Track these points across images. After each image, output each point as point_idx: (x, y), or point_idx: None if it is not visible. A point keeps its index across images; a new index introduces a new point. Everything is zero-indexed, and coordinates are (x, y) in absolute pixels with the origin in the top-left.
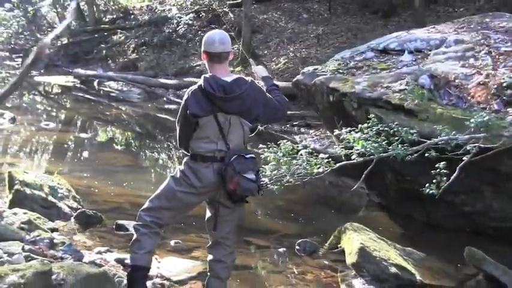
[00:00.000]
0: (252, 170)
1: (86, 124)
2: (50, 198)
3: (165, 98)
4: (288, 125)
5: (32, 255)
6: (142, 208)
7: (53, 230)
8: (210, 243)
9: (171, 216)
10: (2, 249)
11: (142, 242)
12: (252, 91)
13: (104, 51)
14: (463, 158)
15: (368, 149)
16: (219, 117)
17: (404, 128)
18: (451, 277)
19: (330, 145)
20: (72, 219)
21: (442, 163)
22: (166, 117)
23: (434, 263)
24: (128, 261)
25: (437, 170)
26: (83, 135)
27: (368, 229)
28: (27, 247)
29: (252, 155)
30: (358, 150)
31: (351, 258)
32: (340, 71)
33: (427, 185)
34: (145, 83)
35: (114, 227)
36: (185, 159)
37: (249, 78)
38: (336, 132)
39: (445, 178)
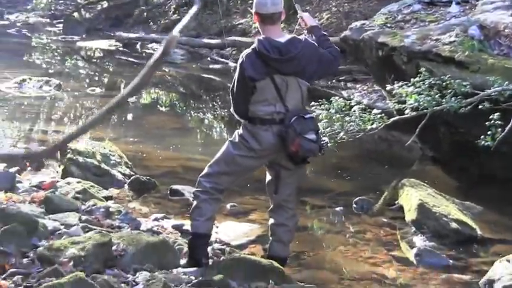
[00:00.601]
0: (313, 130)
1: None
2: (103, 165)
3: (209, 58)
4: (334, 80)
5: (89, 225)
6: (201, 174)
7: (107, 198)
8: (272, 206)
9: (230, 181)
10: (59, 220)
11: (202, 208)
12: (307, 49)
13: (145, 14)
14: None
15: (421, 103)
16: (276, 79)
17: (457, 80)
18: (509, 230)
19: (379, 99)
20: (126, 186)
21: (496, 114)
22: (211, 77)
23: (493, 216)
24: (187, 227)
25: (492, 122)
26: (129, 99)
27: (425, 184)
28: (83, 217)
29: (312, 115)
30: (411, 104)
31: (410, 215)
32: (388, 24)
33: (482, 136)
34: (188, 44)
35: (168, 192)
36: (243, 122)
37: (302, 37)
38: (389, 87)
39: (499, 129)
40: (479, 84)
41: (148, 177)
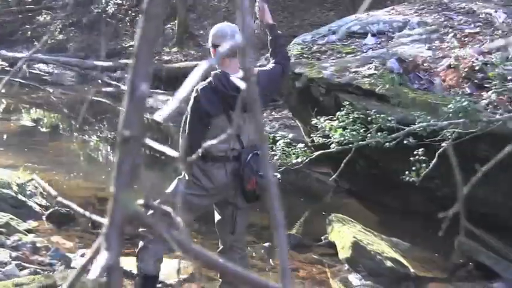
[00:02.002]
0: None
1: (25, 111)
2: (20, 196)
3: (100, 81)
4: None
5: (22, 263)
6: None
7: (28, 231)
8: (221, 247)
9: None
10: None
11: (150, 249)
12: (262, 81)
13: (29, 32)
14: (442, 144)
15: (347, 137)
16: (233, 116)
17: (382, 115)
18: (441, 268)
19: (280, 128)
20: (44, 219)
21: (420, 150)
22: (105, 101)
23: (421, 253)
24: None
25: (416, 157)
26: (26, 123)
27: (353, 220)
28: (13, 254)
29: None
30: (336, 138)
31: (344, 252)
32: (305, 55)
33: (406, 172)
34: (78, 65)
35: (89, 225)
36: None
37: (256, 69)
38: (314, 120)
39: (424, 165)
40: (401, 118)
41: (67, 210)
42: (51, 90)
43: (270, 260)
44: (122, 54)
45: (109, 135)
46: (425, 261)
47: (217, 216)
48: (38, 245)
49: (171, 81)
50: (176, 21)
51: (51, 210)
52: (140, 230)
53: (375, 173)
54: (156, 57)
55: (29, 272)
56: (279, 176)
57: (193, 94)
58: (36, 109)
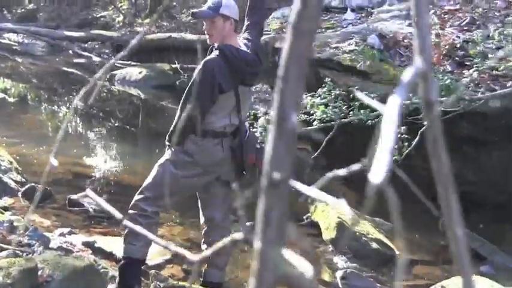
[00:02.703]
0: (257, 141)
1: None
2: None
3: (70, 51)
4: None
5: (0, 244)
6: (138, 197)
7: (4, 208)
8: (206, 228)
9: (172, 202)
10: None
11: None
12: (255, 56)
13: None
14: (424, 123)
15: (329, 115)
16: (239, 90)
17: (364, 92)
18: (426, 249)
19: (255, 102)
20: (20, 196)
21: (403, 128)
22: (77, 72)
23: (405, 234)
24: (99, 245)
25: (399, 135)
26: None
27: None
28: None
29: None
30: (318, 116)
31: (328, 233)
32: (284, 30)
33: None
34: (49, 36)
35: (66, 202)
36: (190, 137)
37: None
38: None
39: (406, 143)
40: (383, 96)
41: (43, 186)
42: (20, 60)
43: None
44: (92, 25)
45: (79, 107)
46: (411, 242)
47: (203, 195)
48: (15, 223)
49: (144, 53)
50: None
51: (27, 186)
52: (131, 212)
53: (353, 150)
54: (129, 29)
55: (7, 253)
56: None
57: (203, 66)
58: (5, 79)
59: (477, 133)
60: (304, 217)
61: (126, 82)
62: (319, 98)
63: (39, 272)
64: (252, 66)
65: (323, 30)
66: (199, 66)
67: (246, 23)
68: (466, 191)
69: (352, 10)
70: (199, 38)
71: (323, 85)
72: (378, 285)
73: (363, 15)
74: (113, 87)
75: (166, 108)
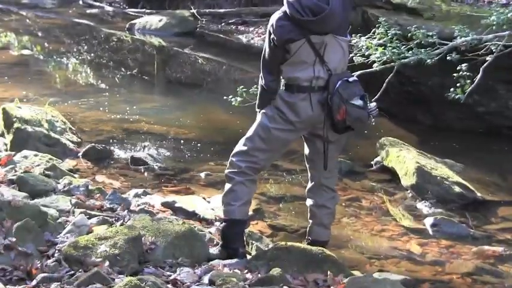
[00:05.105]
0: (359, 95)
1: (18, 39)
2: (52, 134)
3: (81, 2)
4: (223, 24)
5: (88, 211)
6: (233, 153)
7: (71, 171)
8: (310, 185)
9: (267, 158)
10: (51, 207)
11: (238, 191)
12: (336, 1)
13: None
14: (487, 58)
15: (388, 55)
16: (313, 39)
17: (422, 31)
18: (505, 189)
19: None
20: (81, 156)
21: (464, 65)
22: (91, 24)
23: (477, 174)
24: (180, 205)
25: (460, 73)
26: (25, 52)
27: (404, 142)
28: (73, 200)
29: (355, 78)
30: (378, 57)
31: (408, 179)
32: None
33: (451, 89)
34: None
35: (129, 161)
36: (279, 92)
37: None
38: (355, 40)
39: (468, 81)
40: (437, 33)
41: (103, 145)
42: (29, 15)
43: None
44: None
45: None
46: (486, 183)
47: (306, 151)
48: (90, 187)
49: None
50: None
51: (87, 147)
52: (226, 171)
53: (406, 90)
54: None
55: (97, 220)
56: (373, 105)
57: (269, 25)
58: (24, 36)
59: None
60: (373, 162)
61: (147, 31)
62: (375, 39)
63: (142, 239)
64: (320, 16)
65: None
66: None
67: None
68: None
69: None
70: None
71: (377, 26)
72: (471, 230)
73: None
74: (133, 36)
75: (194, 56)
